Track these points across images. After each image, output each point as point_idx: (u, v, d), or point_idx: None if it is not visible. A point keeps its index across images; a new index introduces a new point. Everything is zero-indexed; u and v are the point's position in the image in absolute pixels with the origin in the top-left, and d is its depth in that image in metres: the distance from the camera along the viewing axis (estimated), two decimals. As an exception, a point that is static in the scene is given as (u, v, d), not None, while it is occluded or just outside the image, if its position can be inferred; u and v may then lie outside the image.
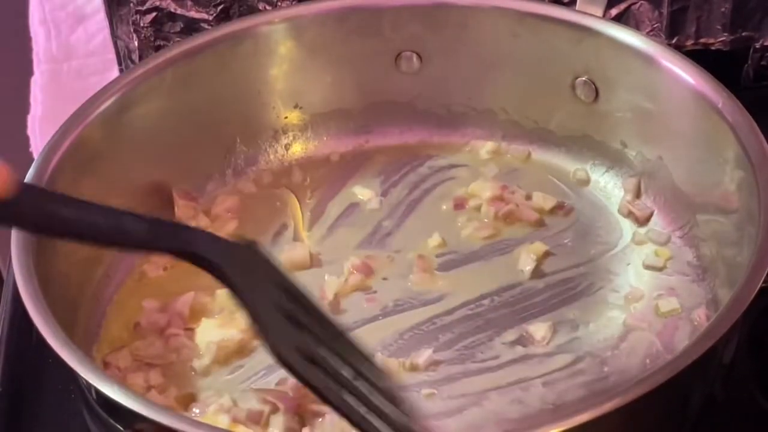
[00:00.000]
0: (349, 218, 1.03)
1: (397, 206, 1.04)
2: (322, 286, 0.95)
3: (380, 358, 0.89)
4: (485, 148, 1.08)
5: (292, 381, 0.85)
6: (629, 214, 1.01)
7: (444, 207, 1.03)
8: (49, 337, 0.80)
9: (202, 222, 1.02)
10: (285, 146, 1.09)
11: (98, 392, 0.78)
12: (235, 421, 0.85)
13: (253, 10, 1.11)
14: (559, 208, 1.02)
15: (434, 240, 1.00)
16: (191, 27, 1.13)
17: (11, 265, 0.90)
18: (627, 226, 1.01)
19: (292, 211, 1.04)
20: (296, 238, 1.01)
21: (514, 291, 0.96)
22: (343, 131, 1.09)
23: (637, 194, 1.02)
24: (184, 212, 1.01)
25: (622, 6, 1.14)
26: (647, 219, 1.00)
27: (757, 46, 1.17)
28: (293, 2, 1.11)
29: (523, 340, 0.92)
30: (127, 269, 0.99)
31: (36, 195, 0.81)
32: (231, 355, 0.91)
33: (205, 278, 0.95)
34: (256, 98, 1.07)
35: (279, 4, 1.11)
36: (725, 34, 1.15)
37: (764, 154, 0.89)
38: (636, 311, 0.93)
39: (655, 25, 1.14)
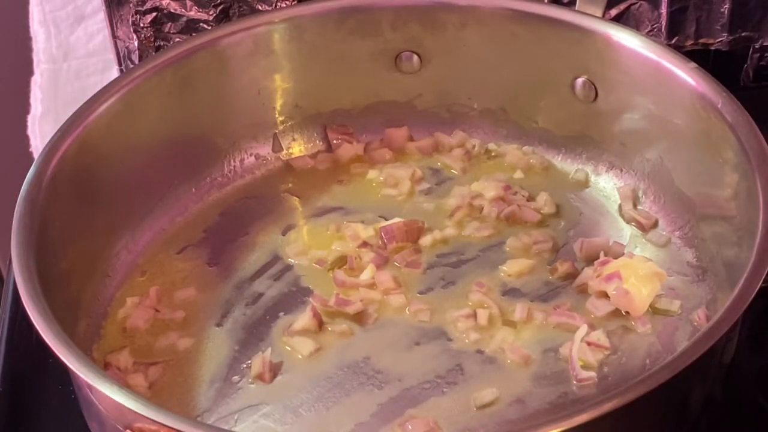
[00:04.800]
0: (348, 216, 1.03)
1: (398, 207, 1.04)
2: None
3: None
4: (485, 148, 1.08)
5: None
6: (633, 221, 1.00)
7: (445, 207, 1.03)
8: (49, 337, 0.80)
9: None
10: (285, 146, 1.09)
11: (98, 392, 0.78)
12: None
13: (253, 10, 1.11)
14: (560, 210, 1.02)
15: (434, 239, 1.00)
16: (191, 27, 1.13)
17: (11, 265, 0.91)
18: (627, 227, 1.01)
19: (293, 210, 1.04)
20: (301, 236, 1.02)
21: (515, 291, 0.96)
22: (342, 129, 1.09)
23: (635, 202, 1.02)
24: None
25: (622, 6, 1.14)
26: (653, 226, 1.00)
27: (757, 46, 1.17)
28: (293, 2, 1.11)
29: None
30: (128, 268, 0.99)
31: None
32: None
33: (206, 275, 0.96)
34: (256, 98, 1.07)
35: (279, 4, 1.11)
36: (725, 34, 1.15)
37: (764, 154, 0.89)
38: (636, 312, 0.93)
39: (655, 26, 1.14)
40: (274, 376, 0.90)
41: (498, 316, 0.93)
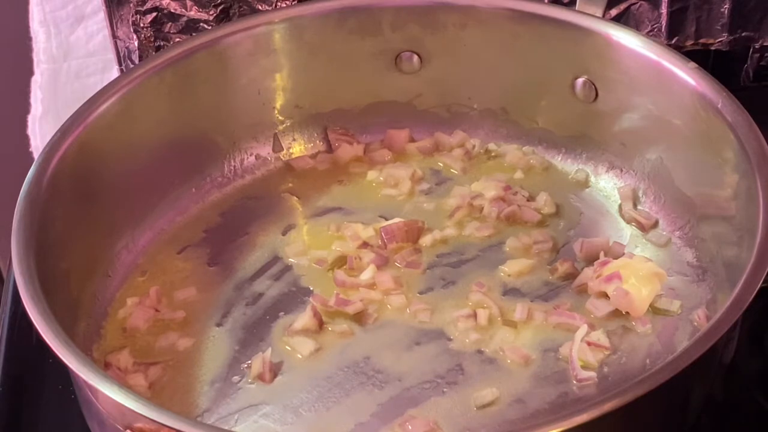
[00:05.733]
0: (348, 216, 1.03)
1: (398, 207, 1.04)
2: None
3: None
4: (485, 148, 1.08)
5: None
6: (633, 221, 1.00)
7: (445, 207, 1.03)
8: (49, 337, 0.80)
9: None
10: (285, 146, 1.09)
11: (98, 392, 0.78)
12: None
13: (253, 10, 1.11)
14: (560, 210, 1.03)
15: (434, 239, 1.00)
16: (191, 27, 1.13)
17: (11, 265, 0.91)
18: (627, 227, 1.01)
19: (293, 210, 1.04)
20: (300, 236, 1.02)
21: (515, 291, 0.96)
22: (343, 131, 1.09)
23: (635, 202, 1.02)
24: None
25: (622, 6, 1.14)
26: (653, 226, 1.00)
27: (757, 46, 1.17)
28: (293, 2, 1.11)
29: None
30: (128, 268, 0.99)
31: None
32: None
33: (206, 275, 0.96)
34: (256, 98, 1.07)
35: (279, 4, 1.11)
36: (725, 34, 1.15)
37: (763, 154, 0.89)
38: (636, 312, 0.93)
39: (655, 26, 1.14)
40: (274, 376, 0.90)
41: (498, 316, 0.93)
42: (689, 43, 1.16)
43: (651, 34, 1.14)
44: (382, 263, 0.98)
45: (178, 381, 0.90)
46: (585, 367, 0.89)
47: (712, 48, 1.16)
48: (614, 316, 0.92)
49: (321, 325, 0.93)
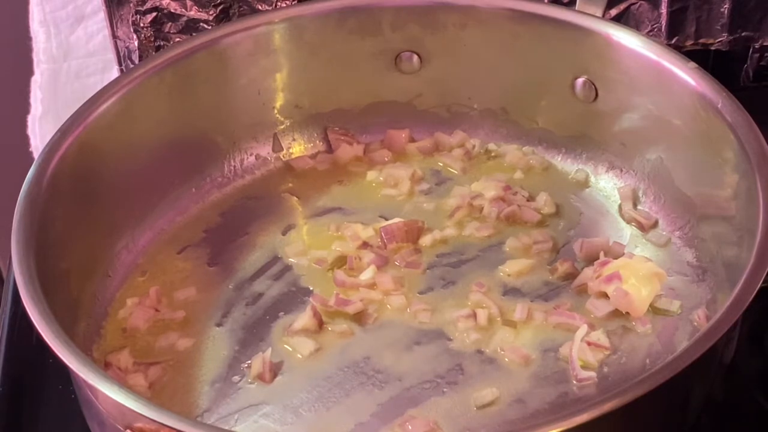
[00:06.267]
0: (347, 216, 1.03)
1: (398, 207, 1.04)
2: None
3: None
4: (485, 148, 1.08)
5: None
6: (633, 221, 1.00)
7: (445, 207, 1.03)
8: (49, 337, 0.80)
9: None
10: (285, 146, 1.09)
11: (98, 392, 0.78)
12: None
13: (253, 10, 1.12)
14: (560, 210, 1.03)
15: (434, 239, 1.00)
16: (191, 27, 1.13)
17: (11, 265, 0.91)
18: (627, 227, 1.01)
19: (293, 210, 1.04)
20: (300, 236, 1.02)
21: (515, 291, 0.96)
22: (343, 131, 1.09)
23: (635, 202, 1.02)
24: None
25: (622, 6, 1.14)
26: (652, 226, 1.00)
27: (757, 46, 1.17)
28: (293, 2, 1.11)
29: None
30: (128, 268, 0.99)
31: None
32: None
33: (206, 275, 0.96)
34: (256, 98, 1.07)
35: (279, 4, 1.11)
36: (725, 34, 1.15)
37: (763, 154, 0.89)
38: (636, 312, 0.93)
39: (655, 26, 1.14)
40: (274, 376, 0.90)
41: (498, 316, 0.93)
42: (689, 43, 1.16)
43: (651, 34, 1.14)
44: (382, 263, 0.98)
45: (178, 381, 0.91)
46: (585, 367, 0.89)
47: (712, 48, 1.16)
48: (614, 316, 0.92)
49: (321, 325, 0.93)
